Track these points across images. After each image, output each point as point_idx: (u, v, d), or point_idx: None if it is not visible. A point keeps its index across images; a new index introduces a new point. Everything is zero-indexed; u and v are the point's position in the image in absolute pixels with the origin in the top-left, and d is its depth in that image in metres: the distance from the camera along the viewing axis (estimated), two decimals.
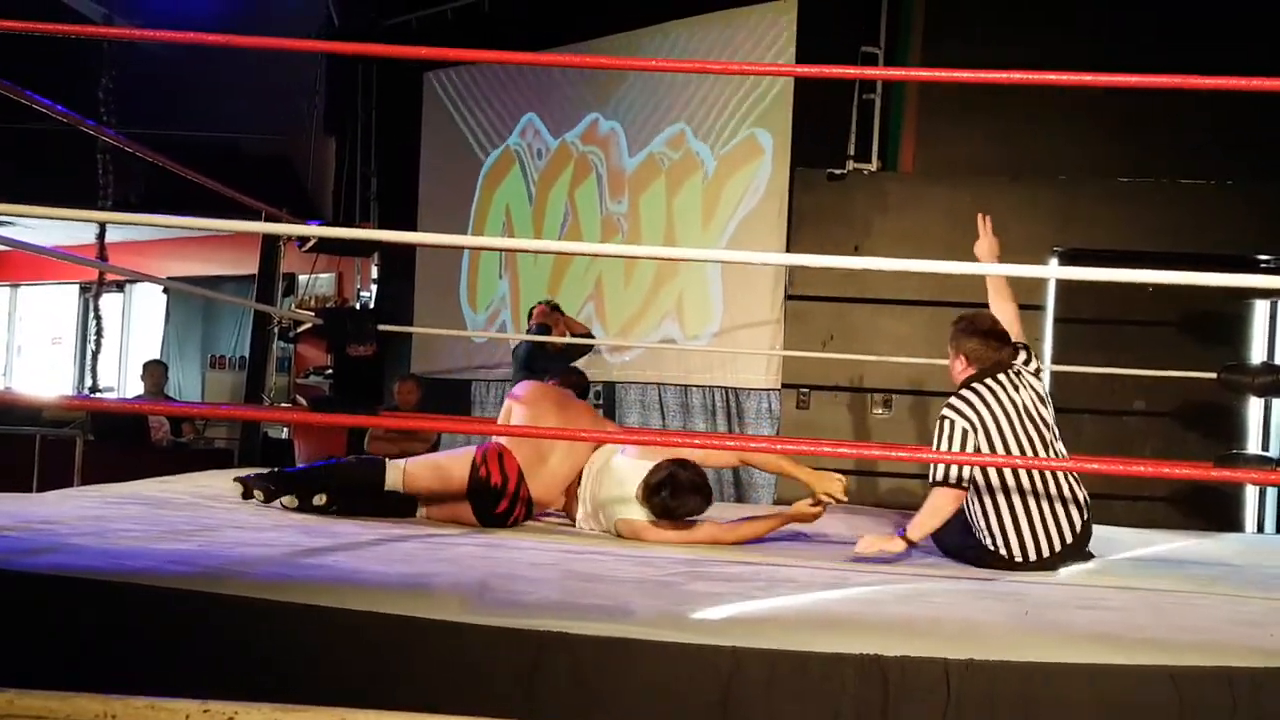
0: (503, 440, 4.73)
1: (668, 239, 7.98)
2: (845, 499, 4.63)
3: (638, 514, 4.53)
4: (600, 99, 8.37)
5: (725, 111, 7.90)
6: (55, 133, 7.45)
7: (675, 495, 4.40)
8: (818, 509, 4.61)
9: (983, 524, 4.30)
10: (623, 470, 4.62)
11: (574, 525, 4.94)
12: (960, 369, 4.64)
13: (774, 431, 7.42)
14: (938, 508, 4.28)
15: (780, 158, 7.68)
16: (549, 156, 8.65)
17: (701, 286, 7.82)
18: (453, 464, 4.69)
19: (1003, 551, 4.25)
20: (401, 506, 4.75)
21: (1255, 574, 4.30)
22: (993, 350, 4.55)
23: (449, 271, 9.43)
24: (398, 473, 4.69)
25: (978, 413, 4.38)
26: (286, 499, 4.70)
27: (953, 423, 4.39)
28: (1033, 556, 4.24)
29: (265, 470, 5.10)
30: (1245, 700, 2.46)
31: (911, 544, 4.21)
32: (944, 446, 4.34)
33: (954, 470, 4.27)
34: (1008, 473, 4.26)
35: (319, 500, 4.68)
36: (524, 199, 8.75)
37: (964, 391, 4.48)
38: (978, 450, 4.31)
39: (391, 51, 4.03)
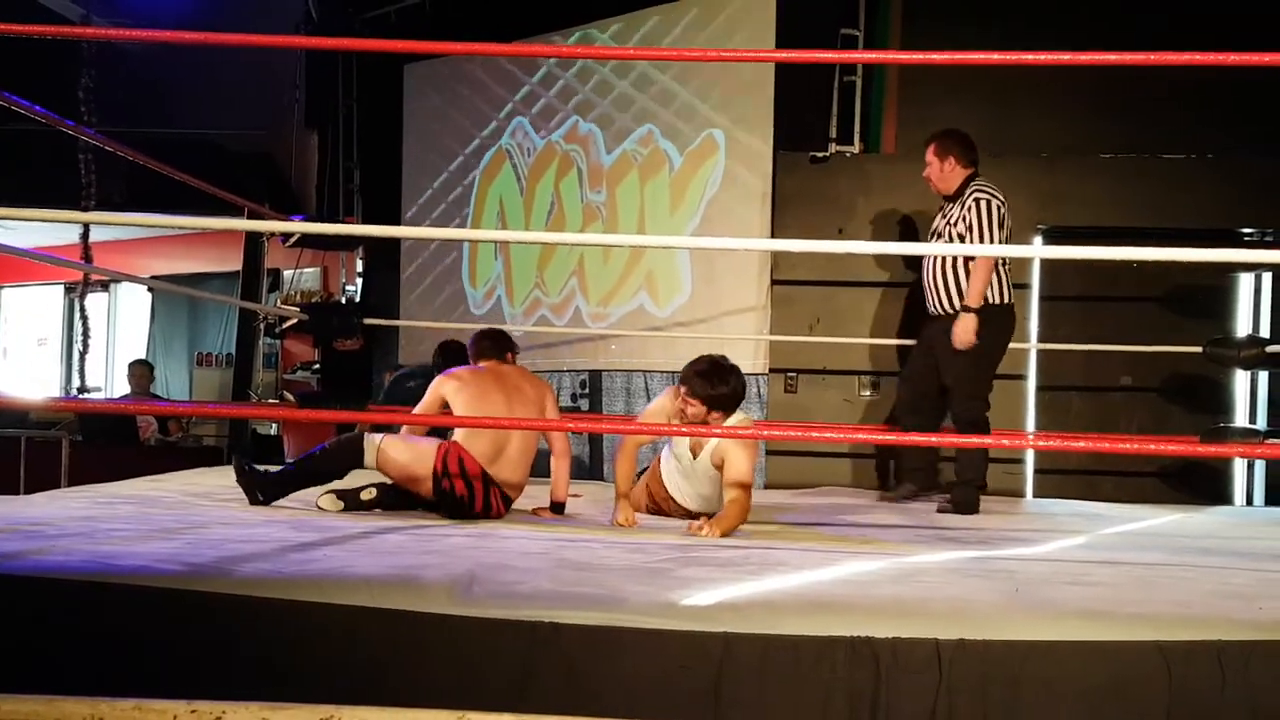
0: (458, 436, 4.70)
1: (640, 224, 8.34)
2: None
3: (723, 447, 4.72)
4: (578, 105, 8.78)
5: (688, 114, 8.16)
6: (36, 133, 7.41)
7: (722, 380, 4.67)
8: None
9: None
10: (688, 468, 4.98)
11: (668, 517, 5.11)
12: (951, 168, 5.37)
13: (763, 416, 7.42)
14: (985, 273, 5.30)
15: (734, 151, 7.86)
16: (536, 154, 9.01)
17: (671, 263, 8.16)
18: (416, 466, 4.64)
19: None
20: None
21: (1244, 547, 4.32)
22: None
23: (434, 263, 9.45)
24: (373, 451, 4.66)
25: (1005, 204, 5.29)
26: (325, 500, 4.70)
27: (999, 206, 5.24)
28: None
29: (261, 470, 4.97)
30: (1235, 673, 2.47)
31: (977, 311, 5.31)
32: (992, 224, 5.24)
33: (997, 241, 5.24)
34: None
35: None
36: (515, 191, 9.14)
37: (984, 184, 5.28)
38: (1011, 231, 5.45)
39: (370, 45, 4.01)
